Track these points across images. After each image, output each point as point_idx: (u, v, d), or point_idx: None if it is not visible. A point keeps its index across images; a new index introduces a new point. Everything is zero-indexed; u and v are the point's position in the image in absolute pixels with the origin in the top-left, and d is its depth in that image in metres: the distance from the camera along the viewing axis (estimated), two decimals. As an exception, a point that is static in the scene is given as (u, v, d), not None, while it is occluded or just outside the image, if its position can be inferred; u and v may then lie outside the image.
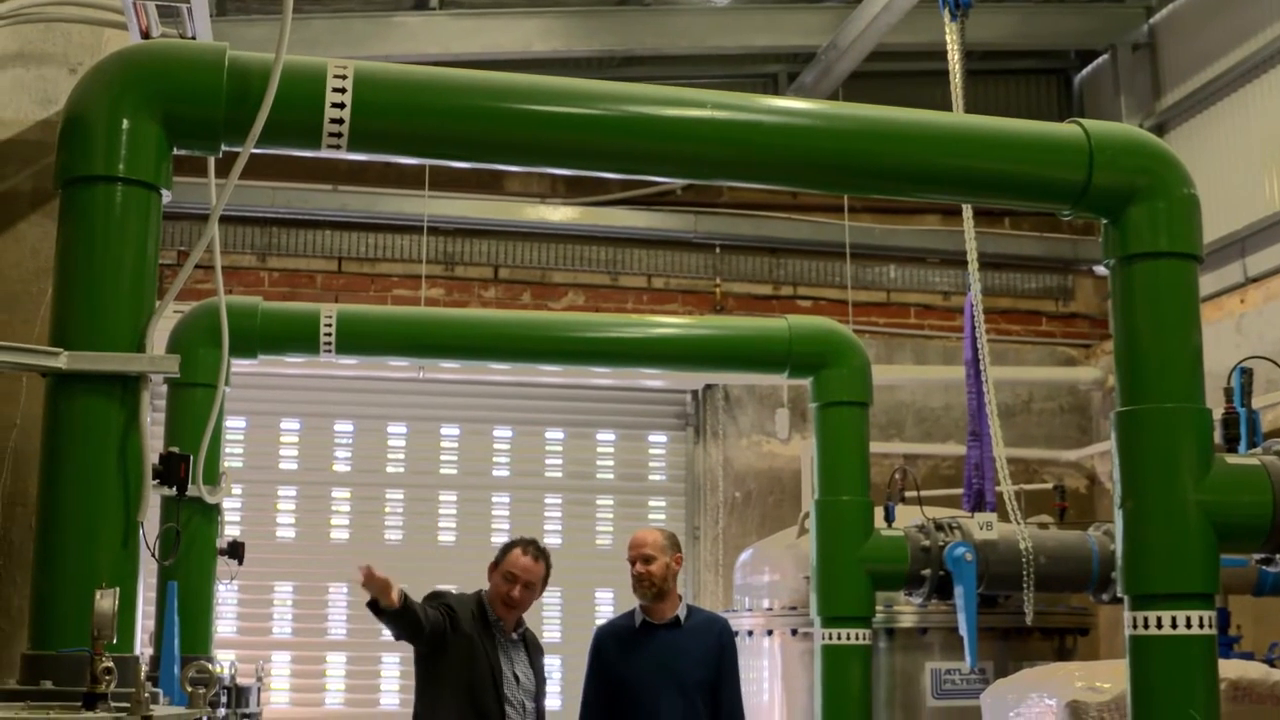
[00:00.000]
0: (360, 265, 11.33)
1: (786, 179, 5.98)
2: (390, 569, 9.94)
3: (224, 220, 9.28)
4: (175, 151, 4.82)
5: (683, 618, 7.25)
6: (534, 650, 7.15)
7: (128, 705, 3.58)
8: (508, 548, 7.11)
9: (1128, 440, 5.27)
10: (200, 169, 5.57)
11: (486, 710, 6.78)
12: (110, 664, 3.72)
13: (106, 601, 3.76)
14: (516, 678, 6.91)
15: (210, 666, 4.08)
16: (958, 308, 11.61)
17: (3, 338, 5.23)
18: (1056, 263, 12.36)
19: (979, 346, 7.84)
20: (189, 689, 3.97)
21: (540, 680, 7.12)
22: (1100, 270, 11.79)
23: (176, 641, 6.16)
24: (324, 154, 5.03)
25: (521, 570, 6.95)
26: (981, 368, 7.85)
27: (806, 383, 8.02)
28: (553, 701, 10.87)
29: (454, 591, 7.20)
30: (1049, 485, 9.93)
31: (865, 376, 7.89)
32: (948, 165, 5.46)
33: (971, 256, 7.60)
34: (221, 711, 7.18)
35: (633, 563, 7.25)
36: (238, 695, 7.47)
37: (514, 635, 7.02)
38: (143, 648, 5.92)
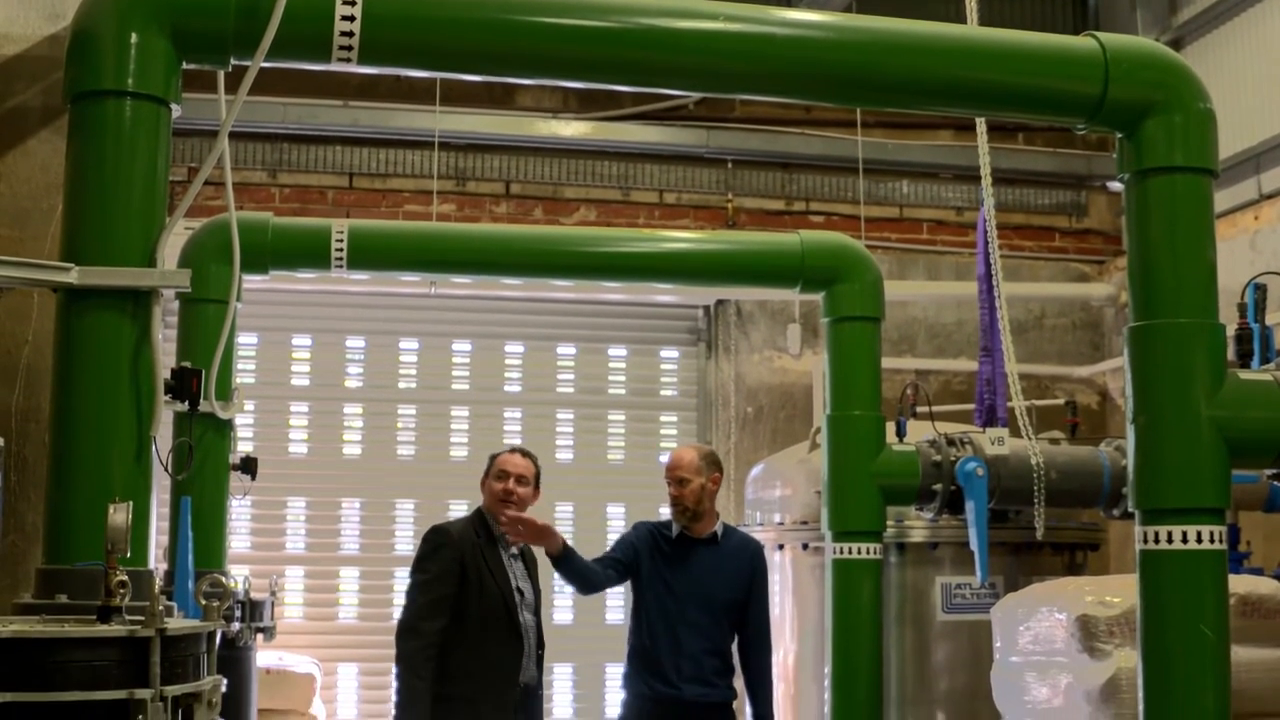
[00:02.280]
0: (371, 181, 11.29)
1: (799, 92, 5.95)
2: (402, 484, 10.05)
3: (234, 136, 9.22)
4: (184, 66, 4.80)
5: (719, 535, 7.28)
6: (531, 564, 7.17)
7: (142, 618, 3.60)
8: (494, 456, 7.14)
9: (1140, 355, 5.27)
10: (210, 84, 5.54)
11: (502, 639, 6.80)
12: (124, 577, 3.74)
13: (120, 515, 3.78)
14: (521, 592, 6.94)
15: (224, 580, 4.09)
16: (970, 223, 11.58)
17: (14, 254, 5.23)
18: (1070, 178, 12.29)
19: (992, 262, 7.83)
20: (203, 602, 3.99)
21: (538, 594, 7.14)
22: (1114, 186, 11.76)
23: (190, 556, 6.20)
24: (334, 68, 5.00)
25: (513, 466, 6.98)
26: (994, 283, 7.84)
27: (818, 298, 8.01)
28: (564, 615, 11.01)
29: (452, 524, 7.18)
30: (1060, 401, 9.91)
31: (877, 291, 7.87)
32: (962, 78, 5.43)
33: (985, 172, 7.57)
34: (235, 625, 7.25)
35: (668, 483, 7.28)
36: (252, 609, 7.52)
37: (515, 549, 7.04)
38: (157, 563, 5.95)
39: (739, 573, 7.27)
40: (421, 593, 6.82)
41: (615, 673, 11.08)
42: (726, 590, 7.20)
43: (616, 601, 11.16)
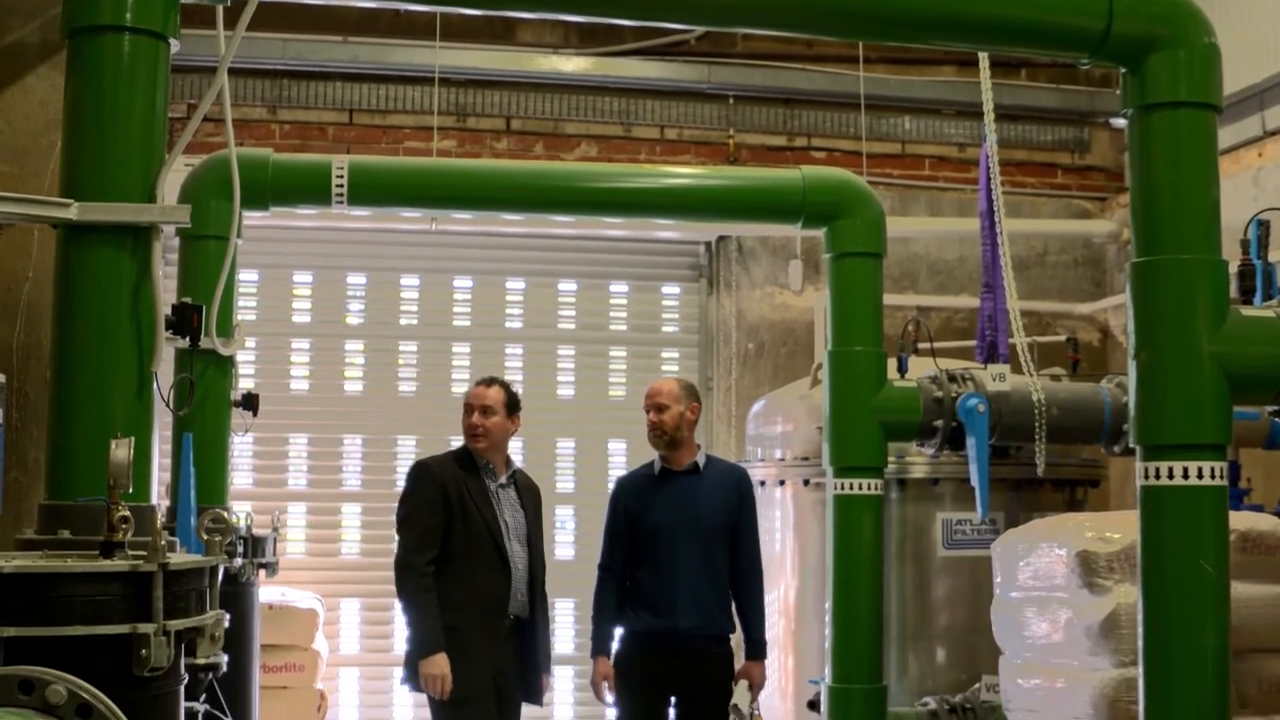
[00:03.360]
0: (371, 117, 11.25)
1: (801, 25, 5.92)
2: (404, 420, 10.04)
3: (233, 72, 9.18)
4: (182, 1, 4.78)
5: (701, 465, 7.28)
6: (525, 493, 7.16)
7: (145, 553, 3.61)
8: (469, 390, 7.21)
9: (1143, 291, 5.25)
10: (209, 20, 5.52)
11: (489, 569, 6.82)
12: (127, 513, 3.75)
13: (122, 451, 3.78)
14: (507, 523, 6.94)
15: (226, 515, 4.10)
16: (973, 160, 11.54)
17: (13, 190, 5.22)
18: (1073, 115, 12.24)
19: (994, 199, 7.81)
20: (205, 537, 4.00)
21: (534, 524, 7.13)
22: (1117, 123, 11.72)
23: (193, 493, 6.21)
24: (333, 1, 4.97)
25: (474, 397, 7.03)
26: (996, 220, 7.82)
27: (820, 234, 8.00)
28: (566, 550, 11.04)
29: (434, 458, 7.22)
30: (1062, 338, 9.90)
31: (879, 227, 7.86)
32: (965, 12, 5.39)
33: (988, 108, 7.54)
34: (238, 561, 7.27)
35: (647, 411, 7.27)
36: (254, 545, 7.54)
37: (503, 479, 7.04)
38: (159, 500, 5.96)
39: (725, 499, 7.26)
40: (408, 527, 6.89)
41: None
42: (714, 517, 7.18)
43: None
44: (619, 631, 7.38)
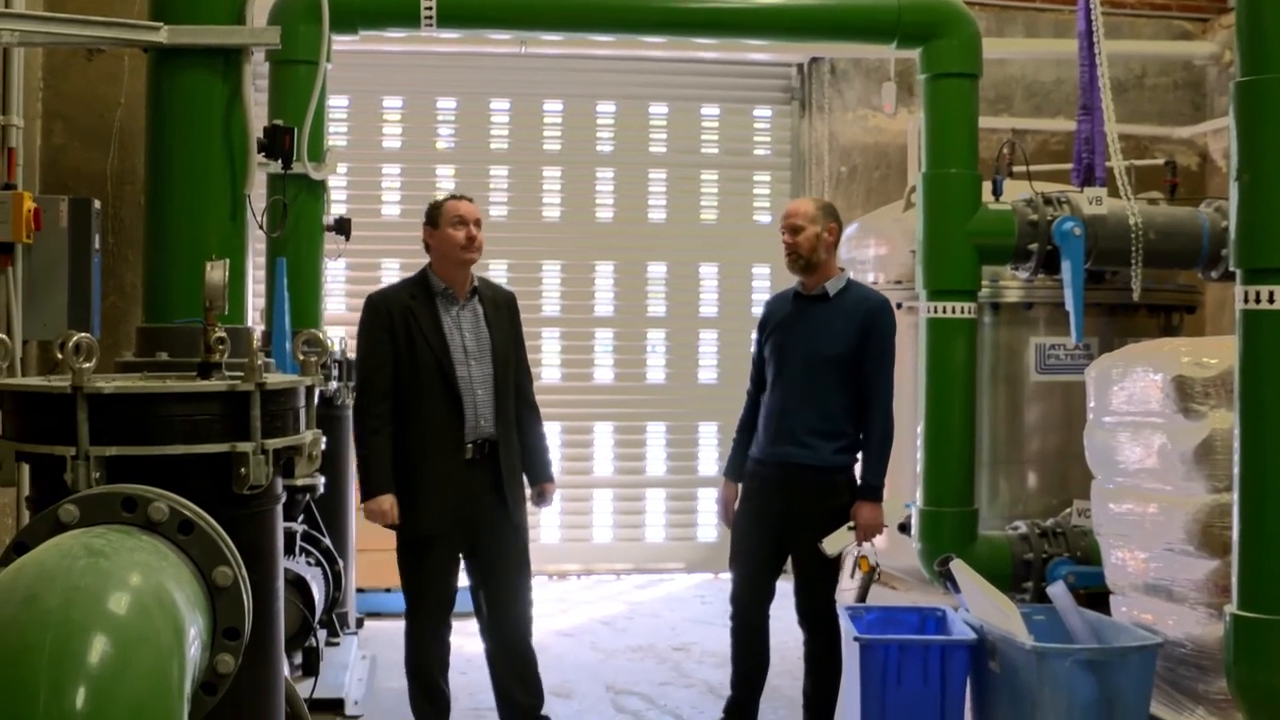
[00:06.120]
0: (459, -61, 11.13)
1: None
2: (495, 245, 9.91)
3: (321, -108, 9.08)
4: None
5: (831, 292, 6.86)
6: (492, 307, 6.45)
7: (241, 374, 3.64)
8: (436, 206, 6.41)
9: (1247, 111, 5.13)
10: None
11: (439, 400, 6.34)
12: (223, 334, 3.78)
13: (217, 273, 3.80)
14: (466, 349, 6.44)
15: (321, 337, 4.11)
16: (1072, -22, 11.30)
17: (102, 15, 5.22)
18: (1176, -70, 11.95)
19: (1093, 18, 7.65)
20: (300, 358, 4.02)
21: (505, 337, 6.48)
22: (1221, -62, 11.41)
23: (287, 316, 6.26)
24: None
25: (468, 211, 6.27)
26: (1094, 41, 7.67)
27: (914, 55, 7.89)
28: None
29: (388, 288, 6.52)
30: (1160, 162, 9.74)
31: (975, 47, 7.74)
32: None
33: (1088, -77, 7.36)
34: (333, 384, 7.34)
35: (783, 232, 6.92)
36: (347, 369, 7.62)
37: (463, 301, 6.50)
38: (254, 325, 6.00)
39: (847, 330, 6.77)
40: (358, 373, 6.46)
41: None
42: (829, 347, 6.71)
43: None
44: None
